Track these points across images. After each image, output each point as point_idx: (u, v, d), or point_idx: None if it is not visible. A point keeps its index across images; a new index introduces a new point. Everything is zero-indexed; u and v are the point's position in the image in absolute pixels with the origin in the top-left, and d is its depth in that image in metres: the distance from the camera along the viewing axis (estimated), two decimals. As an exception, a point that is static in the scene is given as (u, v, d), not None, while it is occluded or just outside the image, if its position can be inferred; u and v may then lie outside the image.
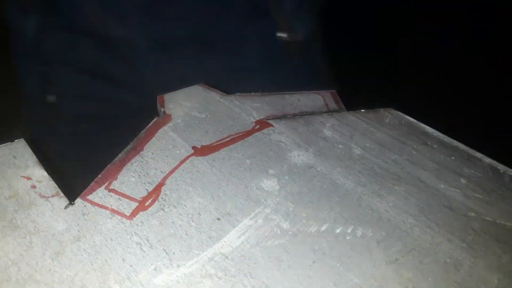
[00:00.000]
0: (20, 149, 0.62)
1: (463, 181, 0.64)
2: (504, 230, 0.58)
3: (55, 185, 0.59)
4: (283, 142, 0.68)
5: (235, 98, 0.78)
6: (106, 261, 0.50)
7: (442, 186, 0.63)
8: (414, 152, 0.68)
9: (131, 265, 0.49)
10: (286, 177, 0.62)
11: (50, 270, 0.48)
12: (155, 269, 0.49)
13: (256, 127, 0.71)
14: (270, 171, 0.63)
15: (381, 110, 0.77)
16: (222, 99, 0.78)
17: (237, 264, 0.51)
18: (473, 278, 0.51)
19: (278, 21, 0.83)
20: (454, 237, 0.55)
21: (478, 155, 0.71)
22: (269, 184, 0.61)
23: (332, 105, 0.80)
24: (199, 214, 0.56)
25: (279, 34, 0.86)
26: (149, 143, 0.68)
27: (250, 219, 0.56)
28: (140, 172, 0.62)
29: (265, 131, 0.70)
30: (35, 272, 0.48)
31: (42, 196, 0.56)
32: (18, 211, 0.54)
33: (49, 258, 0.49)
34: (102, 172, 0.62)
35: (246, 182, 0.61)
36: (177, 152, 0.66)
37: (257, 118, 0.73)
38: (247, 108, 0.75)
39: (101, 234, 0.53)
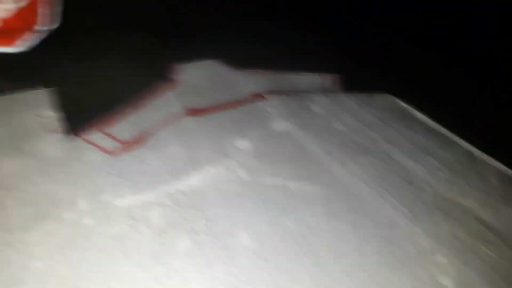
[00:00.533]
0: (40, 94, 0.73)
1: (433, 160, 0.65)
2: (455, 205, 0.59)
3: (59, 124, 0.69)
4: (269, 112, 0.73)
5: (242, 73, 0.84)
6: (79, 180, 0.58)
7: (409, 163, 0.64)
8: (394, 132, 0.70)
9: (99, 187, 0.57)
10: (261, 140, 0.67)
11: (35, 184, 0.58)
12: (118, 194, 0.57)
13: (251, 99, 0.77)
14: (248, 134, 0.69)
15: (377, 95, 0.79)
16: (230, 73, 0.85)
17: (188, 198, 0.57)
18: (402, 236, 0.53)
19: None
20: (402, 205, 0.57)
21: (459, 140, 0.71)
22: (243, 144, 0.67)
23: (330, 87, 0.83)
24: (173, 159, 0.63)
25: None
26: (149, 101, 0.76)
27: (214, 167, 0.62)
28: (134, 122, 0.71)
29: (258, 103, 0.75)
30: (25, 185, 0.57)
31: (45, 130, 0.66)
32: (22, 138, 0.64)
33: (37, 176, 0.58)
34: (102, 118, 0.71)
35: (222, 139, 0.68)
36: (170, 110, 0.74)
37: (255, 92, 0.79)
38: (249, 83, 0.81)
39: (83, 163, 0.62)
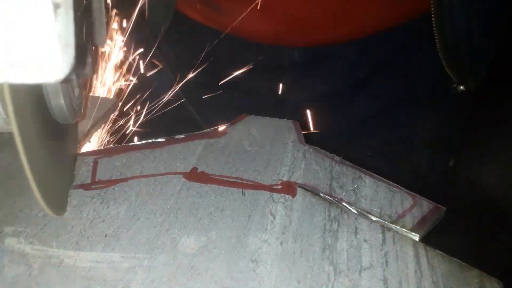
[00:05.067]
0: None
1: None
2: None
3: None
4: (276, 216, 0.56)
5: (306, 149, 0.65)
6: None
7: None
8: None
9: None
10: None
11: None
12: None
13: (276, 187, 0.61)
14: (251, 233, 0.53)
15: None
16: (290, 144, 0.66)
17: None
18: None
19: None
20: None
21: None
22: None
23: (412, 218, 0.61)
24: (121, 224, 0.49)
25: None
26: (172, 146, 0.64)
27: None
28: (128, 162, 0.59)
29: (279, 196, 0.58)
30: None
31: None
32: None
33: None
34: (109, 147, 0.62)
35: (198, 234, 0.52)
36: (177, 164, 0.61)
37: (291, 179, 0.63)
38: (297, 164, 0.64)
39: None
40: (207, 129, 0.68)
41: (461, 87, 0.77)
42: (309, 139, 0.68)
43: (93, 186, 0.54)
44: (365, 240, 0.49)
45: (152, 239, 0.46)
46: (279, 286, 0.42)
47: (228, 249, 0.45)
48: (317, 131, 0.83)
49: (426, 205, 0.58)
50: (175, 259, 0.44)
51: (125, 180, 0.56)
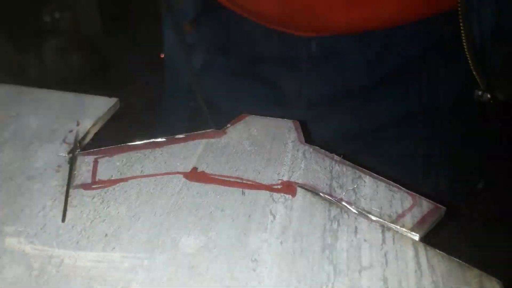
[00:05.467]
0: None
1: None
2: None
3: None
4: (277, 216, 0.56)
5: (306, 149, 0.67)
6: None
7: None
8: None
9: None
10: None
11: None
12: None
13: (276, 187, 0.61)
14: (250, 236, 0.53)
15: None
16: (290, 144, 0.69)
17: None
18: None
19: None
20: None
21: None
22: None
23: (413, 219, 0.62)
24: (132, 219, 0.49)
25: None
26: (172, 145, 0.64)
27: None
28: (129, 162, 0.59)
29: (279, 196, 0.59)
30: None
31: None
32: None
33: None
34: (109, 147, 0.61)
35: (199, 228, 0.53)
36: (178, 164, 0.61)
37: (291, 179, 0.63)
38: (297, 164, 0.65)
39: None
40: (208, 130, 0.69)
41: (488, 95, 0.67)
42: (313, 142, 0.68)
43: (94, 186, 0.55)
44: (365, 240, 0.49)
45: (152, 238, 0.46)
46: (279, 286, 0.42)
47: (228, 249, 0.45)
48: (325, 132, 0.81)
49: (426, 205, 0.58)
50: (175, 258, 0.44)
51: (125, 180, 0.56)
